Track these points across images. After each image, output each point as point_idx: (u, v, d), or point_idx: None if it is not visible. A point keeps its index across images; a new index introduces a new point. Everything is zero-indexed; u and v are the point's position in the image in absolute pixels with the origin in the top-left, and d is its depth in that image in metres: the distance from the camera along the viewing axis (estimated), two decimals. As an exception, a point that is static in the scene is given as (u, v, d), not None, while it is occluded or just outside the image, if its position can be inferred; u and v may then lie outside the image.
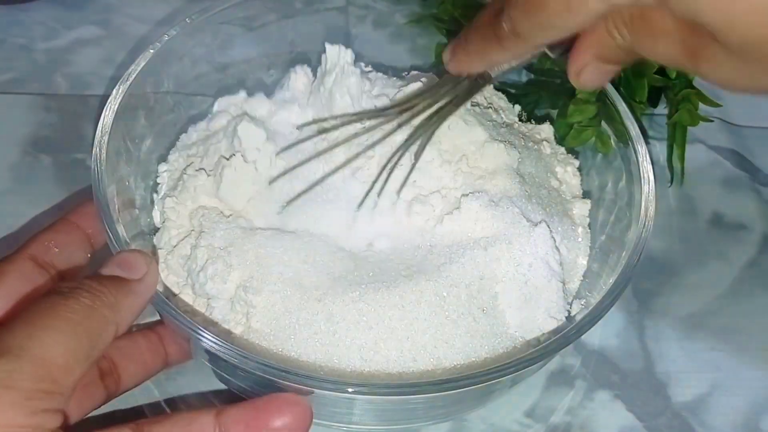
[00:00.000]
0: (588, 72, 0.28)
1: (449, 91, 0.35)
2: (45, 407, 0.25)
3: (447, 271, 0.36)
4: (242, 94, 0.45)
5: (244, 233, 0.37)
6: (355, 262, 0.37)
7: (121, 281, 0.30)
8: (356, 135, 0.38)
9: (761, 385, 0.43)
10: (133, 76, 0.39)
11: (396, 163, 0.37)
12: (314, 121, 0.40)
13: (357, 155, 0.38)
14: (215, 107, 0.44)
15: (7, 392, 0.24)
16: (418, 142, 0.36)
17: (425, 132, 0.36)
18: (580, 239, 0.41)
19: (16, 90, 0.52)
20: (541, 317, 0.37)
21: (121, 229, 0.34)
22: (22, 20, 0.57)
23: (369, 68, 0.44)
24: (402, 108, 0.36)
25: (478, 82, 0.34)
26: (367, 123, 0.38)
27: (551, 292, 0.37)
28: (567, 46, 0.28)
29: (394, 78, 0.44)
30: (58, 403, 0.25)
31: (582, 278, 0.40)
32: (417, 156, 0.37)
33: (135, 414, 0.38)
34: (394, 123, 0.37)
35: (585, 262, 0.41)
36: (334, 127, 0.39)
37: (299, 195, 0.38)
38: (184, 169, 0.40)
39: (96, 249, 0.36)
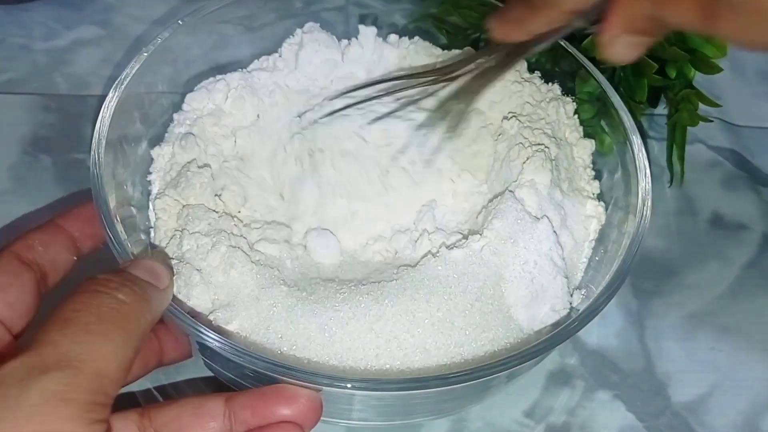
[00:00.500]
0: (618, 44, 0.28)
1: (491, 59, 0.35)
2: (98, 418, 0.25)
3: (452, 274, 0.36)
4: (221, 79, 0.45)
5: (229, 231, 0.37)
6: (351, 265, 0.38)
7: (153, 287, 0.30)
8: (391, 91, 0.40)
9: (761, 385, 0.43)
10: (127, 81, 0.38)
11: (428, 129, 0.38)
12: (362, 86, 0.42)
13: (392, 111, 0.39)
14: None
15: (66, 405, 0.25)
16: (454, 110, 0.37)
17: (464, 99, 0.37)
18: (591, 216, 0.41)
19: (16, 90, 0.52)
20: (545, 312, 0.36)
21: (120, 230, 0.34)
22: (22, 20, 0.57)
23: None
24: (442, 72, 0.37)
25: (518, 51, 0.34)
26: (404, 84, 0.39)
27: (557, 288, 0.37)
28: (598, 17, 0.28)
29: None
30: (106, 413, 0.26)
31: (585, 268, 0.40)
32: (453, 127, 0.38)
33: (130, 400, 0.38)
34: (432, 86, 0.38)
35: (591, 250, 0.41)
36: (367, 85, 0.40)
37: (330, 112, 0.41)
38: (186, 165, 0.40)
39: (82, 254, 0.36)
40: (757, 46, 0.24)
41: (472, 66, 0.36)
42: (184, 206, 0.38)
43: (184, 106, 0.43)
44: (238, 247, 0.36)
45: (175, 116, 0.43)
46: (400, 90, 0.40)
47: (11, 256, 0.33)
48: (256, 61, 0.46)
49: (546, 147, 0.40)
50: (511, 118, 0.42)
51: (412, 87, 0.39)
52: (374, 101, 0.41)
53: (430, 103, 0.40)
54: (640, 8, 0.26)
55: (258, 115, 0.44)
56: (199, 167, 0.40)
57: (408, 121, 0.41)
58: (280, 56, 0.46)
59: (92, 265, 0.32)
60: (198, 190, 0.39)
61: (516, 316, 0.36)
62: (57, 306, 0.28)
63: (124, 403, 0.37)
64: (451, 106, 0.38)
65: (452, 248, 0.37)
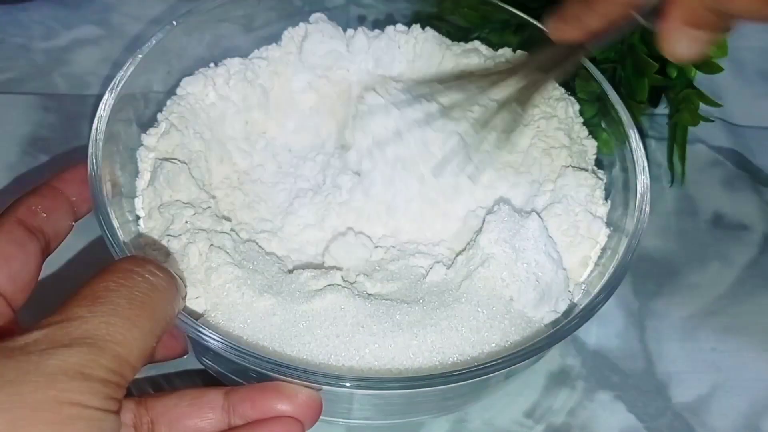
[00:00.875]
0: (680, 39, 0.27)
1: (548, 60, 0.35)
2: (112, 396, 0.25)
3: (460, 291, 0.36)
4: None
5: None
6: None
7: (178, 282, 0.30)
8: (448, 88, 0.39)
9: (762, 386, 0.43)
10: (122, 82, 0.38)
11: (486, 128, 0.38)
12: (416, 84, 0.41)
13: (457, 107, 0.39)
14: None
15: (85, 379, 0.25)
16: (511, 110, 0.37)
17: (518, 105, 0.37)
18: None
19: (15, 90, 0.52)
20: (549, 308, 0.36)
21: (121, 234, 0.34)
22: (21, 20, 0.57)
23: None
24: (498, 73, 0.37)
25: (576, 51, 0.34)
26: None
27: (560, 283, 0.37)
28: (657, 13, 0.28)
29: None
30: (120, 393, 0.26)
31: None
32: (505, 136, 0.38)
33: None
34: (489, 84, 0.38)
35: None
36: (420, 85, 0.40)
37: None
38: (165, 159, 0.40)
39: (79, 218, 0.35)
40: None
41: (524, 70, 0.36)
42: (160, 204, 0.38)
43: (179, 90, 0.43)
44: (221, 247, 0.36)
45: (169, 102, 0.42)
46: (451, 90, 0.40)
47: (16, 224, 0.32)
48: (256, 50, 0.46)
49: (566, 146, 0.41)
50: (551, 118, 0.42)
51: (464, 90, 0.39)
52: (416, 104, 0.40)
53: (474, 110, 0.40)
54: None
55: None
56: (181, 161, 0.39)
57: (450, 131, 0.40)
58: (278, 45, 0.46)
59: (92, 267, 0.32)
60: (174, 186, 0.38)
61: (529, 316, 0.35)
62: (90, 279, 0.28)
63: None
64: (503, 112, 0.37)
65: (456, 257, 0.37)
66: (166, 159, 0.39)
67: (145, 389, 0.39)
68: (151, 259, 0.30)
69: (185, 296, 0.33)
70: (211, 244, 0.35)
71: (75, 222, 0.35)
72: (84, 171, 0.35)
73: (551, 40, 0.34)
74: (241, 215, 0.40)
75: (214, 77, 0.43)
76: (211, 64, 0.44)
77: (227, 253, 0.35)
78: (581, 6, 0.30)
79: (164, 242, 0.36)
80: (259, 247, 0.38)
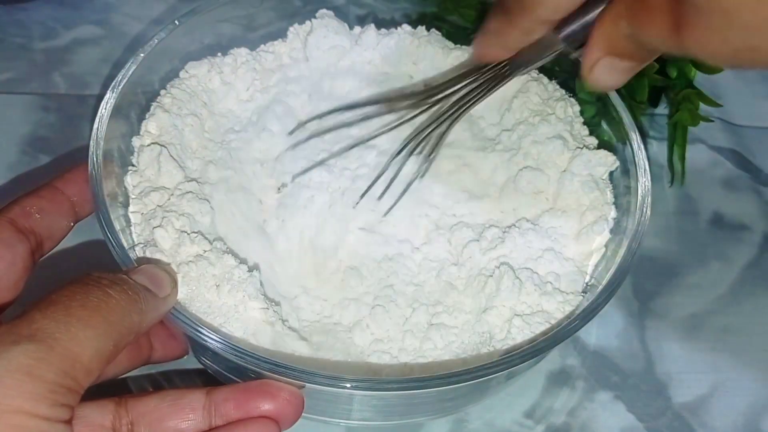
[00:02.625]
0: (600, 68, 0.27)
1: (472, 83, 0.34)
2: (62, 402, 0.25)
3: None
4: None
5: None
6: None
7: (151, 293, 0.30)
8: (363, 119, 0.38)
9: (762, 386, 0.43)
10: (123, 82, 0.38)
11: (407, 153, 0.37)
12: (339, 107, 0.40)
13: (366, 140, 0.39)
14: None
15: (32, 381, 0.24)
16: (431, 137, 0.36)
17: (439, 126, 0.35)
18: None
19: (15, 89, 0.52)
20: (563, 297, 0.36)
21: (121, 236, 0.34)
22: (21, 20, 0.57)
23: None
24: (424, 95, 0.36)
25: (501, 74, 0.33)
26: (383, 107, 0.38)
27: (568, 271, 0.37)
28: (583, 41, 0.27)
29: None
30: (73, 399, 0.25)
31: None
32: (430, 155, 0.36)
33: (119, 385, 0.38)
34: (408, 110, 0.37)
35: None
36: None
37: (305, 171, 0.39)
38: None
39: (80, 218, 0.35)
40: (724, 59, 0.23)
41: (453, 89, 0.35)
42: (140, 191, 0.37)
43: (182, 74, 0.42)
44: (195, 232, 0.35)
45: (168, 85, 0.42)
46: (385, 112, 0.39)
47: (6, 224, 0.32)
48: (262, 45, 0.46)
49: (564, 138, 0.41)
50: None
51: (393, 111, 0.38)
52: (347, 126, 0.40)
53: (405, 130, 0.38)
54: (619, 28, 0.25)
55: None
56: (166, 144, 0.39)
57: (379, 148, 0.40)
58: (283, 41, 0.46)
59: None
60: (155, 168, 0.38)
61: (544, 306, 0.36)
62: (46, 294, 0.27)
63: (118, 389, 0.37)
64: (430, 132, 0.36)
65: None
66: (153, 143, 0.39)
67: (144, 387, 0.39)
68: (108, 274, 0.29)
69: (169, 295, 0.32)
70: (182, 230, 0.35)
71: (76, 222, 0.35)
72: (86, 171, 0.35)
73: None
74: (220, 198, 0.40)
75: (221, 65, 0.43)
76: (219, 54, 0.44)
77: (205, 238, 0.35)
78: (503, 22, 0.29)
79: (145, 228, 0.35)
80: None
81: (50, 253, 0.35)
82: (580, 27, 0.27)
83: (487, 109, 0.43)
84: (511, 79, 0.33)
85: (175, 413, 0.30)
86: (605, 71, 0.27)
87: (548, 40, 0.29)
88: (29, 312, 0.26)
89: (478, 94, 0.34)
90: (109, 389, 0.31)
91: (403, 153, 0.37)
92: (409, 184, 0.38)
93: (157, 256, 0.34)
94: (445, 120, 0.35)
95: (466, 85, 0.34)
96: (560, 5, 0.27)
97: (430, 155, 0.37)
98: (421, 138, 0.37)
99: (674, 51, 0.23)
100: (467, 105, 0.35)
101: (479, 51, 0.32)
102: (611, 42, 0.26)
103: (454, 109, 0.35)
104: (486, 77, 0.33)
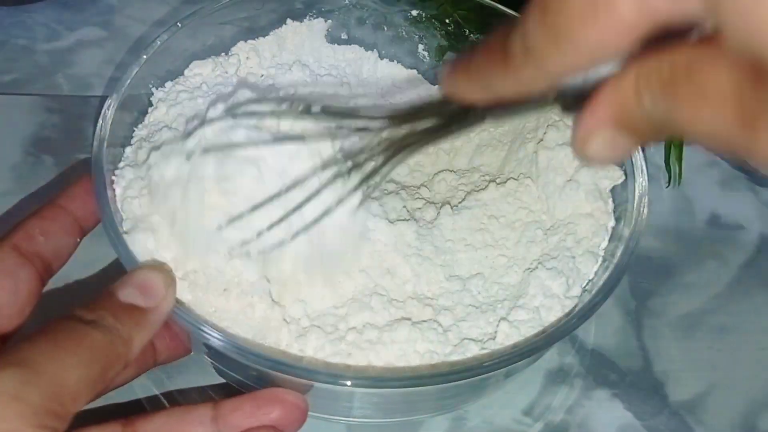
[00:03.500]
0: (599, 141, 0.20)
1: (431, 119, 0.27)
2: (48, 425, 0.25)
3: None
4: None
5: None
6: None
7: (137, 313, 0.30)
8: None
9: (759, 384, 0.43)
10: (126, 84, 0.38)
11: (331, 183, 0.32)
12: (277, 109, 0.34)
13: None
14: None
15: (16, 403, 0.24)
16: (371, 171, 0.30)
17: (383, 160, 0.29)
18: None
19: (18, 91, 0.53)
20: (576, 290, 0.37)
21: (126, 239, 0.34)
22: (24, 21, 0.57)
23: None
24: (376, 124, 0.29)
25: (469, 117, 0.25)
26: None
27: (588, 265, 0.37)
28: (577, 100, 0.21)
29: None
30: (60, 424, 0.26)
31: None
32: (366, 190, 0.31)
33: (134, 407, 0.39)
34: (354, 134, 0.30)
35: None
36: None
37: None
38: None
39: (86, 233, 0.35)
40: None
41: (409, 123, 0.27)
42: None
43: (186, 72, 0.42)
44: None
45: (168, 84, 0.42)
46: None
47: (9, 251, 0.32)
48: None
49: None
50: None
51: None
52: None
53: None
54: (641, 101, 0.19)
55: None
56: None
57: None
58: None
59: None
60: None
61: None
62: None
63: (134, 409, 0.38)
64: (371, 162, 0.30)
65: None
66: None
67: (146, 387, 0.40)
68: (87, 311, 0.29)
69: (162, 301, 0.31)
70: None
71: (83, 237, 0.35)
72: (89, 183, 0.34)
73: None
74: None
75: (226, 65, 0.44)
76: (222, 54, 0.45)
77: None
78: (496, 64, 0.21)
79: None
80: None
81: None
82: (581, 85, 0.21)
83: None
84: (481, 123, 0.26)
85: (183, 428, 0.30)
86: (604, 145, 0.21)
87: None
88: (17, 343, 0.27)
89: (434, 134, 0.27)
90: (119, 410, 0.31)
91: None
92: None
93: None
94: (392, 155, 0.28)
95: (423, 120, 0.27)
96: (579, 62, 0.19)
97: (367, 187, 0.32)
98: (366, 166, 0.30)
99: (733, 149, 0.17)
100: (412, 148, 0.28)
101: (452, 88, 0.24)
102: (624, 114, 0.20)
103: (406, 143, 0.28)
104: (450, 116, 0.26)
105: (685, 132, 0.18)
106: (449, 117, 0.26)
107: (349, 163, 0.31)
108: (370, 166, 0.29)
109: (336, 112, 0.31)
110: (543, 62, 0.20)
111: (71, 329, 0.28)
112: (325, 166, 0.32)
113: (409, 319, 0.35)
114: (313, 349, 0.34)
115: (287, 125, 0.34)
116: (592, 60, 0.19)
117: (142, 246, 0.33)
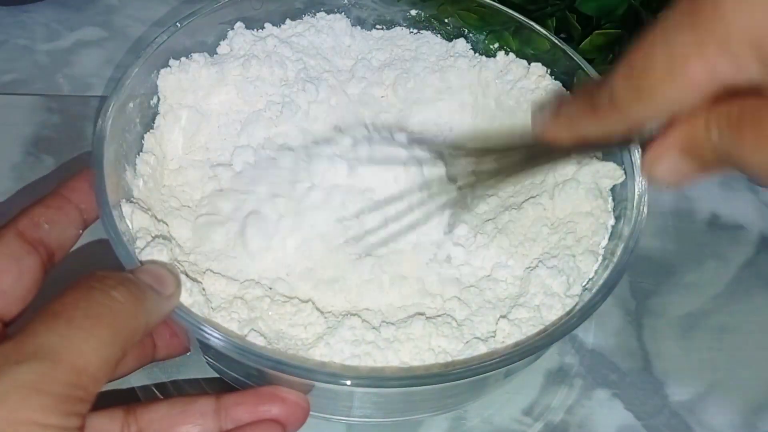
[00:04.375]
0: (666, 164, 0.24)
1: (522, 154, 0.31)
2: (73, 411, 0.25)
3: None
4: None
5: None
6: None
7: (156, 291, 0.30)
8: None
9: (759, 384, 0.43)
10: (126, 84, 0.38)
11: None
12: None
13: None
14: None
15: (38, 395, 0.24)
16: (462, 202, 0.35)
17: (475, 190, 0.34)
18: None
19: (19, 91, 0.53)
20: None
21: (126, 238, 0.34)
22: (24, 21, 0.57)
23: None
24: (465, 155, 0.35)
25: (554, 154, 0.30)
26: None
27: (588, 265, 0.37)
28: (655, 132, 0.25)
29: None
30: (83, 407, 0.26)
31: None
32: (453, 219, 0.36)
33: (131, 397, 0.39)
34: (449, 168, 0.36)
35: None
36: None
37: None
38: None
39: (88, 225, 0.35)
40: None
41: (503, 157, 0.33)
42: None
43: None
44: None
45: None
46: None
47: (15, 237, 0.32)
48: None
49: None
50: None
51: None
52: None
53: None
54: (709, 134, 0.22)
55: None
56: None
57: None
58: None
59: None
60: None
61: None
62: (50, 300, 0.27)
63: (128, 397, 0.38)
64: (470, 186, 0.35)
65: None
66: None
67: (147, 388, 0.40)
68: (113, 274, 0.29)
69: (173, 294, 0.32)
70: None
71: (84, 229, 0.35)
72: (91, 176, 0.35)
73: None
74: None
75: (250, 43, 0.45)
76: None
77: None
78: (584, 111, 0.26)
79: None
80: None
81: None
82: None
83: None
84: (568, 160, 0.32)
85: (185, 419, 0.31)
86: (670, 168, 0.24)
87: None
88: (32, 325, 0.26)
89: (524, 167, 0.32)
90: (118, 398, 0.31)
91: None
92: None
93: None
94: (484, 181, 0.34)
95: (515, 154, 0.32)
96: (656, 113, 0.23)
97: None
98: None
99: None
100: (503, 179, 0.33)
101: (543, 129, 0.29)
102: (691, 143, 0.23)
103: (497, 176, 0.33)
104: (538, 153, 0.31)
105: (745, 164, 0.21)
106: (538, 153, 0.30)
107: (447, 186, 0.35)
108: (463, 191, 0.34)
109: (441, 143, 0.36)
110: (626, 112, 0.24)
111: (89, 302, 0.27)
112: (423, 187, 0.37)
113: (423, 314, 0.35)
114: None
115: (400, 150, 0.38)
116: (667, 111, 0.23)
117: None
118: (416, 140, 0.41)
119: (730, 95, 0.21)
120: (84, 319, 0.26)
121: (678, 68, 0.21)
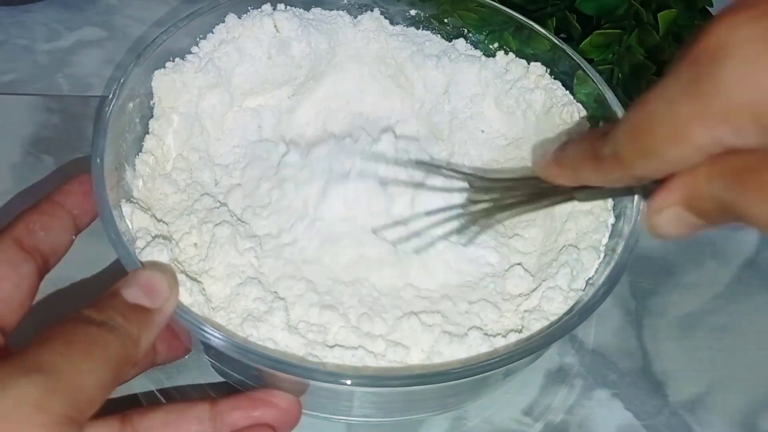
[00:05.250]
0: (667, 216, 0.25)
1: (528, 190, 0.33)
2: None
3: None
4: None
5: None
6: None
7: (144, 313, 0.30)
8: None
9: (759, 384, 0.43)
10: (126, 84, 0.38)
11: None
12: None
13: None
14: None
15: (39, 414, 0.24)
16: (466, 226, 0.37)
17: (478, 221, 0.36)
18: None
19: (19, 91, 0.53)
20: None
21: (126, 239, 0.34)
22: (24, 21, 0.57)
23: None
24: (473, 184, 0.37)
25: (558, 194, 0.32)
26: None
27: (591, 262, 0.37)
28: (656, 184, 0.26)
29: None
30: (77, 430, 0.26)
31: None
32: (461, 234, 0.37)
33: (130, 401, 0.39)
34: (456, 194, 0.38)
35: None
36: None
37: None
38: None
39: (80, 230, 0.35)
40: None
41: (510, 191, 0.34)
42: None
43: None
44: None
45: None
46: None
47: (11, 244, 0.32)
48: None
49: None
50: None
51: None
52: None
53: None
54: (710, 187, 0.23)
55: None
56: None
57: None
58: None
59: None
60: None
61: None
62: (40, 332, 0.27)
63: (127, 403, 0.38)
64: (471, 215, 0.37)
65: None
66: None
67: (147, 388, 0.40)
68: (95, 312, 0.29)
69: (167, 302, 0.31)
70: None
71: (77, 235, 0.35)
72: (86, 182, 0.34)
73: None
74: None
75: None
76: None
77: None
78: (586, 162, 0.27)
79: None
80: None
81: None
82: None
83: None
84: (569, 202, 0.33)
85: (181, 426, 0.31)
86: (671, 221, 0.25)
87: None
88: (32, 346, 0.27)
89: (526, 204, 0.33)
90: (118, 403, 0.31)
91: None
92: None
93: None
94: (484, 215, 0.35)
95: (522, 190, 0.34)
96: (659, 170, 0.24)
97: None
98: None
99: None
100: (507, 214, 0.34)
101: (547, 173, 0.31)
102: (692, 196, 0.24)
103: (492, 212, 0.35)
104: (543, 192, 0.32)
105: (747, 215, 0.22)
106: (543, 192, 0.32)
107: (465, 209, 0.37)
108: (475, 216, 0.36)
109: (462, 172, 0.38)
110: (630, 168, 0.25)
111: (83, 331, 0.27)
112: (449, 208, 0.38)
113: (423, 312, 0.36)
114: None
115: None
116: (670, 169, 0.24)
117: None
118: (439, 166, 0.42)
119: (730, 153, 0.22)
120: (81, 343, 0.27)
121: (681, 134, 0.22)
